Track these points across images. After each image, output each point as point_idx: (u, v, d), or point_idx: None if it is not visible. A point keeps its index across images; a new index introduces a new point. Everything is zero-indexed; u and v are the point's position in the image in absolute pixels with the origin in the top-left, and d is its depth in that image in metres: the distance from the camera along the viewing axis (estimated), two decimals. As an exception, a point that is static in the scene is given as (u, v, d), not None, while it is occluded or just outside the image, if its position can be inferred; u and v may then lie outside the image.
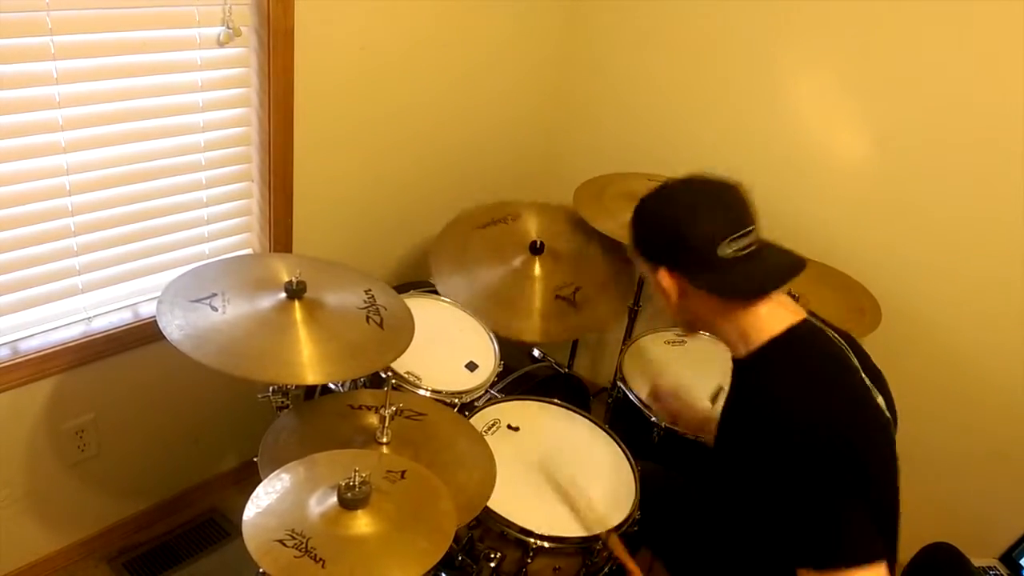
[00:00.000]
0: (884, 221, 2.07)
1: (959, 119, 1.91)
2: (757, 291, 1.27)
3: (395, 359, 1.52)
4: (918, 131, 1.97)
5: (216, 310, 1.44)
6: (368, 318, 1.55)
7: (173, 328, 1.39)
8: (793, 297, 1.35)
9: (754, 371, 1.29)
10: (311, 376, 1.40)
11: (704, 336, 2.13)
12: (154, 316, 1.41)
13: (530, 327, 1.90)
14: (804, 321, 1.29)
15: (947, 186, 1.96)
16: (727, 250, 1.24)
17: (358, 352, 1.46)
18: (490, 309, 1.93)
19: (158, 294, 1.47)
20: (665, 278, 1.30)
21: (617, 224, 2.04)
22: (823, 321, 1.34)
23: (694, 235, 1.26)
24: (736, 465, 1.30)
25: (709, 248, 1.24)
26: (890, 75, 1.98)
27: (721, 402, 1.45)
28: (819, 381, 1.23)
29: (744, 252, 1.25)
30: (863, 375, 1.27)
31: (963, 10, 1.83)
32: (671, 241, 1.28)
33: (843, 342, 1.30)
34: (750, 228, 1.27)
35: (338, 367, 1.44)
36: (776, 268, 1.28)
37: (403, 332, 1.56)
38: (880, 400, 1.28)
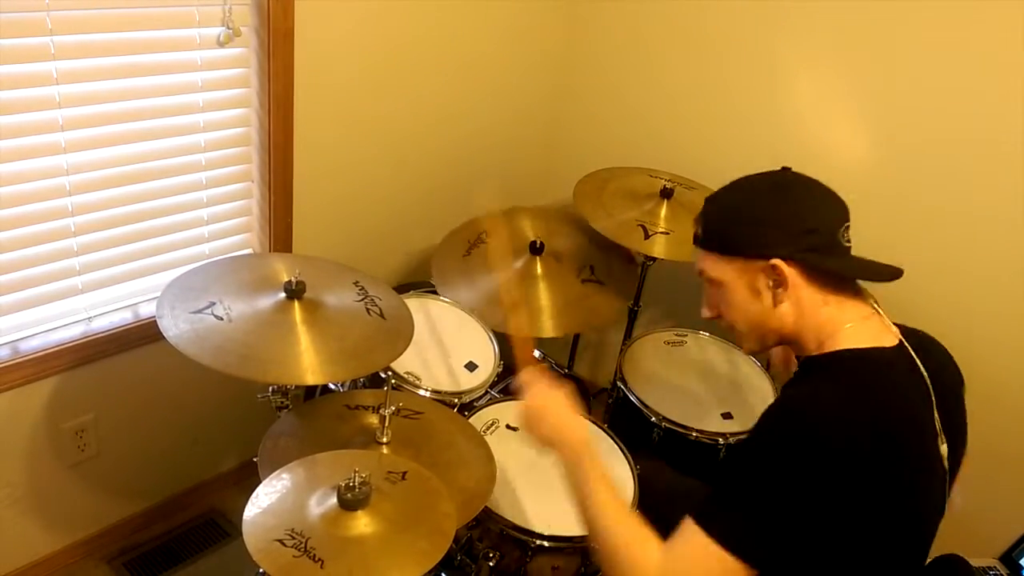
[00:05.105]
0: (884, 221, 2.07)
1: (959, 118, 1.90)
2: (877, 274, 1.19)
3: (407, 347, 1.51)
4: (918, 130, 1.97)
5: (221, 319, 1.42)
6: (368, 310, 1.55)
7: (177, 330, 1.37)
8: None
9: (815, 368, 1.17)
10: (310, 377, 1.39)
11: (704, 336, 2.14)
12: (154, 316, 1.41)
13: (532, 323, 1.91)
14: (897, 346, 1.17)
15: (947, 186, 1.96)
16: (844, 237, 1.17)
17: (374, 347, 1.47)
18: (493, 311, 1.93)
19: (158, 295, 1.46)
20: (770, 272, 1.16)
21: (615, 223, 2.04)
22: (928, 347, 1.22)
23: (820, 218, 1.16)
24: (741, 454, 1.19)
25: (833, 231, 1.15)
26: (890, 73, 1.98)
27: None
28: (870, 407, 1.08)
29: (849, 243, 1.18)
30: (936, 417, 1.14)
31: (964, 9, 1.83)
32: (794, 224, 1.15)
33: (929, 383, 1.16)
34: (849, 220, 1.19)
35: (358, 363, 1.44)
36: (876, 264, 1.21)
37: (404, 320, 1.57)
38: (943, 449, 1.15)
